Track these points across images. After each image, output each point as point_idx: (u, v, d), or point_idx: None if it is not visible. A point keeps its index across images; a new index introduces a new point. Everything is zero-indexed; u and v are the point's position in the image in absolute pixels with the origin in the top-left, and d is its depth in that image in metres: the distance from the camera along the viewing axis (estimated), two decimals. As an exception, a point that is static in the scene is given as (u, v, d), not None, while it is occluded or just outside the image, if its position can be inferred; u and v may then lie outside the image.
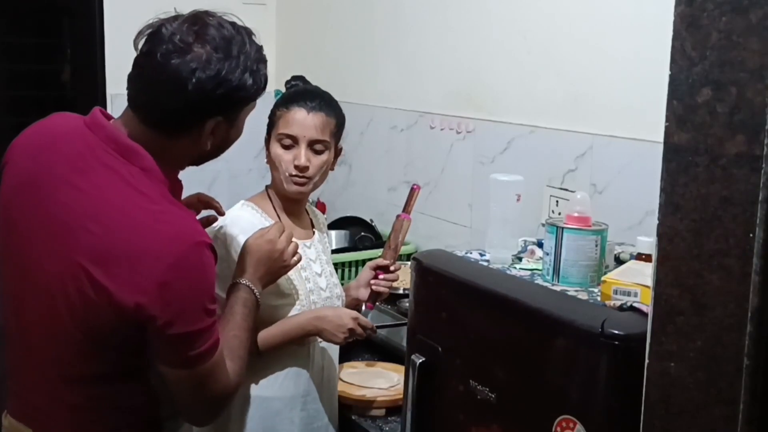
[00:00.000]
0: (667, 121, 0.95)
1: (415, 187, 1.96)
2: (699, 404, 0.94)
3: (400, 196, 2.78)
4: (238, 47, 1.37)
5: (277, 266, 1.65)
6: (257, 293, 1.59)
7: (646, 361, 0.99)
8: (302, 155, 1.80)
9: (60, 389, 1.42)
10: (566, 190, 2.11)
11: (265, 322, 1.76)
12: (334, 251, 2.68)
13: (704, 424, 0.93)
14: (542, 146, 2.21)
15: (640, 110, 1.91)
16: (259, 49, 1.43)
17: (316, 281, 1.88)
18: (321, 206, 3.07)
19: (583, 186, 2.01)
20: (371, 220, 2.82)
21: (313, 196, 3.05)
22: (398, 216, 1.96)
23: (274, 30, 3.43)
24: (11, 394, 1.50)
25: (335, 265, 2.53)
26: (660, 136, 0.96)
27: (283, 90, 1.98)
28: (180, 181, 1.46)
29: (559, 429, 1.26)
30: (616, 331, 1.19)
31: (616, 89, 1.99)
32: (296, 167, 1.80)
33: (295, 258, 1.68)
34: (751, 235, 0.87)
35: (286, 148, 1.82)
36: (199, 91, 1.33)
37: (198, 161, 1.48)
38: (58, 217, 1.36)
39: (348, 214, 2.89)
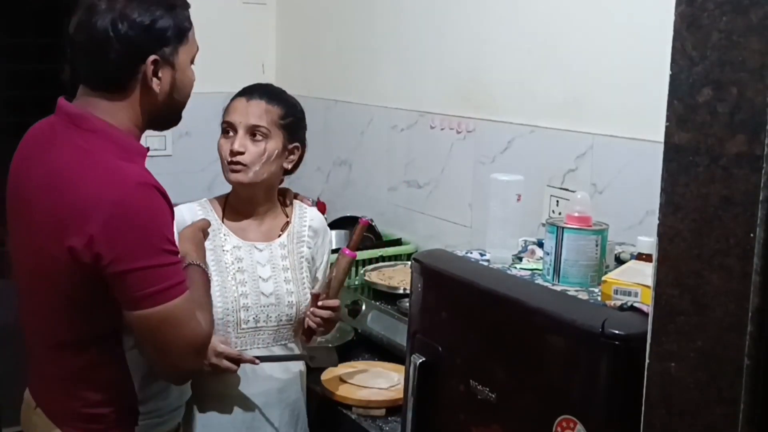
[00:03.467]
0: (667, 121, 0.95)
1: (362, 221, 1.95)
2: (699, 404, 0.94)
3: (400, 196, 2.79)
4: None
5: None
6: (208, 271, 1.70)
7: (647, 361, 0.99)
8: (237, 140, 1.80)
9: (45, 359, 1.52)
10: (566, 189, 2.11)
11: None
12: (334, 251, 2.68)
13: (704, 424, 0.93)
14: (542, 146, 2.20)
15: (640, 110, 1.91)
16: None
17: (256, 285, 1.83)
18: (321, 206, 3.06)
19: (583, 186, 2.01)
20: (371, 220, 2.81)
21: (313, 196, 3.05)
22: (341, 250, 1.94)
23: (274, 30, 3.42)
24: (29, 368, 1.59)
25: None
26: (660, 136, 0.96)
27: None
28: (142, 146, 1.51)
29: (559, 429, 1.26)
30: (617, 331, 1.19)
31: (617, 89, 1.99)
32: (231, 152, 1.80)
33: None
34: (751, 235, 0.87)
35: (227, 137, 1.84)
36: (124, 39, 1.41)
37: (157, 118, 1.52)
38: (27, 196, 1.48)
39: (348, 214, 2.89)
